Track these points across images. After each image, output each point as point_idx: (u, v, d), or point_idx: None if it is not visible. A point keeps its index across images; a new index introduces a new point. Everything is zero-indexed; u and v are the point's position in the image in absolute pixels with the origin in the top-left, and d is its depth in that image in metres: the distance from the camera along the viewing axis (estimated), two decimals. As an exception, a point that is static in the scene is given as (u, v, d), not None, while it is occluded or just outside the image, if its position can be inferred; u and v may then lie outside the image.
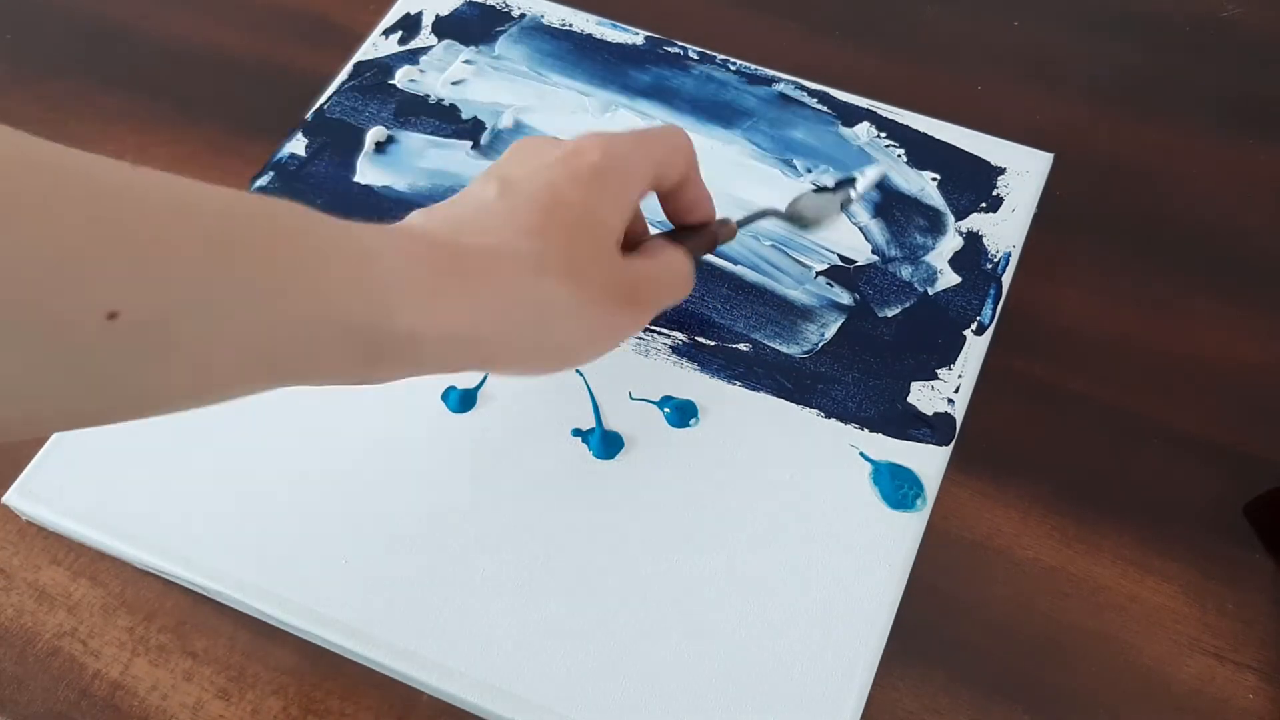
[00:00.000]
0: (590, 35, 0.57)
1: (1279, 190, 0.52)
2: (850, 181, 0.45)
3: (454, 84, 0.55)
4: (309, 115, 0.54)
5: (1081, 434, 0.45)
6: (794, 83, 0.55)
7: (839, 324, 0.47)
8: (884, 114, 0.54)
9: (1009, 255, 0.49)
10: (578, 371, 0.46)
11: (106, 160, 0.26)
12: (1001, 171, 0.52)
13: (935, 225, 0.50)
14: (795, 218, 0.44)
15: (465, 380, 0.46)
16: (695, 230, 0.39)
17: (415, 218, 0.33)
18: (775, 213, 0.43)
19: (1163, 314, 0.49)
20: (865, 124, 0.53)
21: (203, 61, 0.57)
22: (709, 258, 0.49)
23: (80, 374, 0.24)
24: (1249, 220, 0.51)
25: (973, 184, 0.52)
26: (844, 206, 0.45)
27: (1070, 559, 0.43)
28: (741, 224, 0.41)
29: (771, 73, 0.55)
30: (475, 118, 0.53)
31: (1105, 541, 0.43)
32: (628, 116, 0.54)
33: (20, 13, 0.60)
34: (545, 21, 0.57)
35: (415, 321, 0.29)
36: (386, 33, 0.57)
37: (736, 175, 0.51)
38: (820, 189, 0.46)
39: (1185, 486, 0.44)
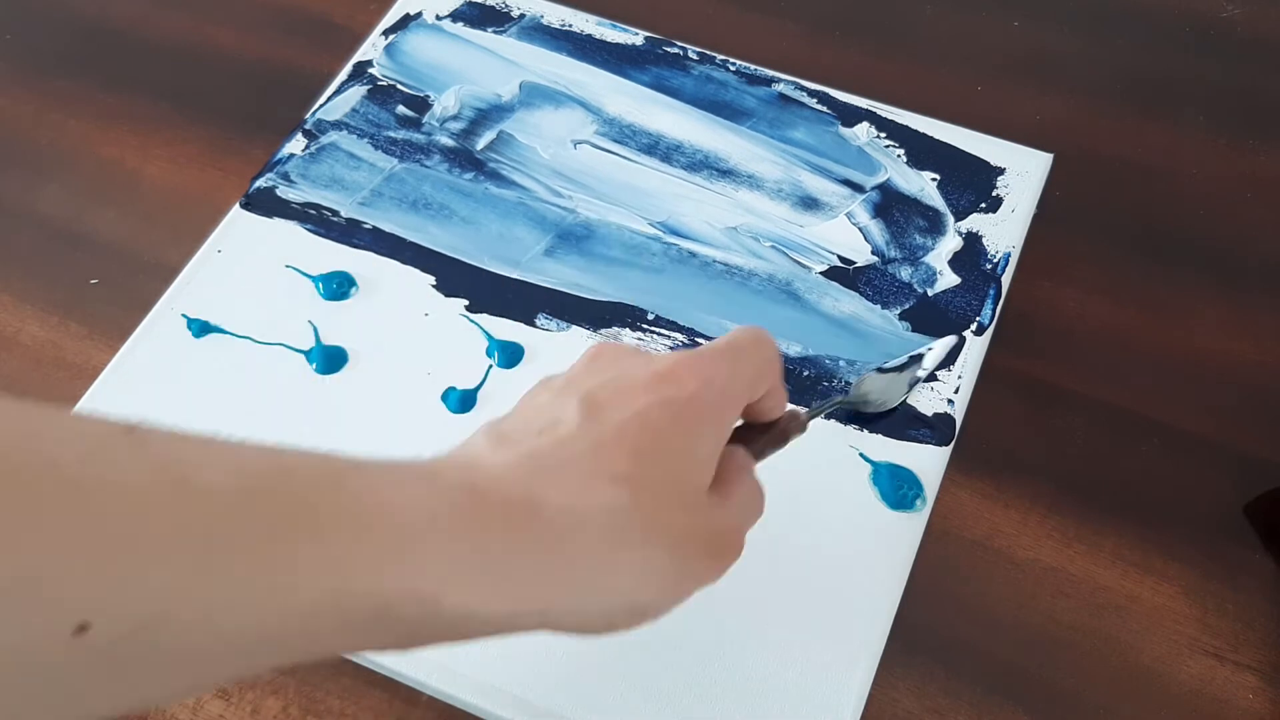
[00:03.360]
0: (590, 35, 0.57)
1: (1279, 190, 0.52)
2: (918, 359, 0.44)
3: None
4: (308, 116, 0.54)
5: (1082, 434, 0.45)
6: (794, 83, 0.55)
7: None
8: (884, 114, 0.54)
9: (1009, 256, 0.49)
10: None
11: (83, 428, 0.22)
12: (1001, 172, 0.52)
13: (935, 226, 0.50)
14: (862, 401, 0.43)
15: (465, 381, 0.46)
16: (766, 427, 0.34)
17: (482, 448, 0.27)
18: (843, 401, 0.42)
19: (1163, 314, 0.49)
20: (865, 124, 0.53)
21: (203, 61, 0.57)
22: (706, 257, 0.49)
23: (46, 695, 0.20)
24: (1249, 220, 0.51)
25: (972, 184, 0.52)
26: (912, 384, 0.44)
27: (1070, 559, 0.43)
28: (810, 416, 0.36)
29: (771, 73, 0.55)
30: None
31: (1105, 541, 0.43)
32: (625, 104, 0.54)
33: (20, 13, 0.60)
34: (545, 21, 0.57)
35: (468, 602, 0.24)
36: (386, 33, 0.57)
37: (750, 161, 0.51)
38: (885, 369, 0.45)
39: (1185, 486, 0.44)
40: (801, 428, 0.35)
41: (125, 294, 0.48)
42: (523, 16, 0.57)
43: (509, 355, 0.46)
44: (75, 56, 0.58)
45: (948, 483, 0.44)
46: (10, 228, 0.52)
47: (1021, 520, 0.43)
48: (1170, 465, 0.45)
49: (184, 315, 0.47)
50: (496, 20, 0.57)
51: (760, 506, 0.32)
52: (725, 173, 0.52)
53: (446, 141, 0.53)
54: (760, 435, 0.33)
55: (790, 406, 0.35)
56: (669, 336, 0.47)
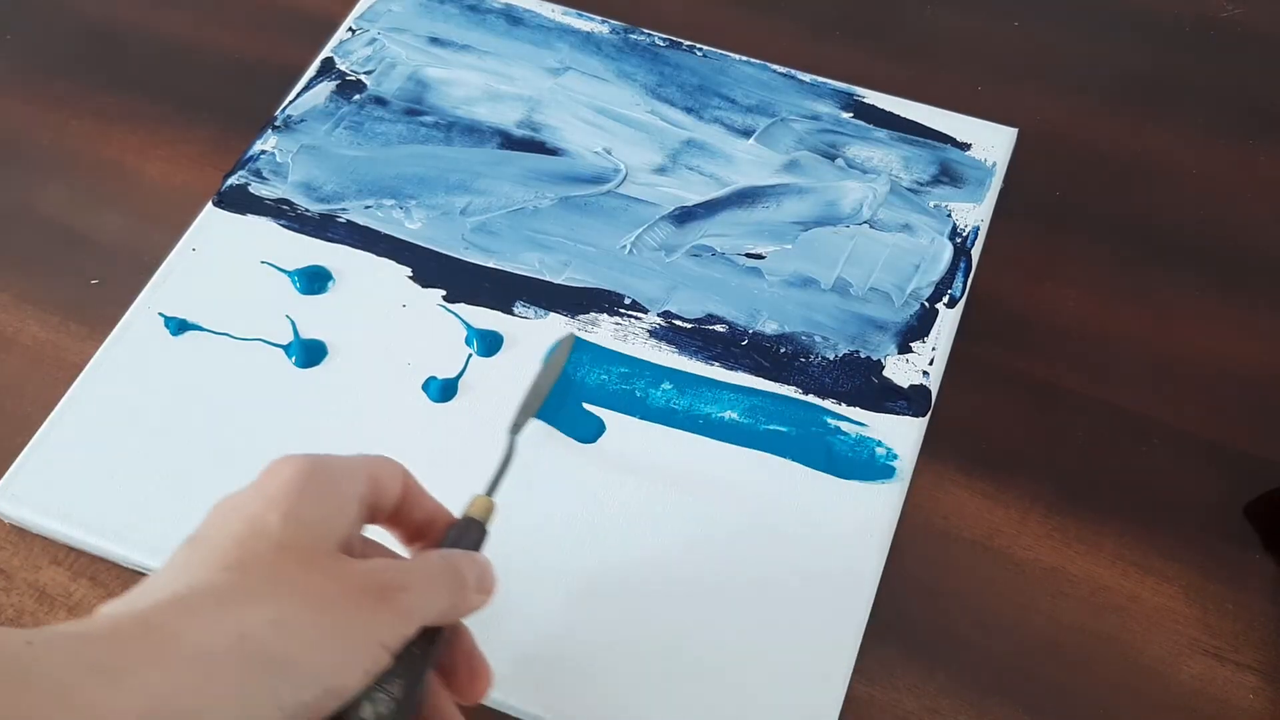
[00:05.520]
0: (591, 33, 0.57)
1: (1279, 190, 0.52)
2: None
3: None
4: (278, 113, 0.54)
5: (1082, 434, 0.45)
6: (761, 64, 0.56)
7: None
8: (857, 96, 0.54)
9: (977, 229, 0.50)
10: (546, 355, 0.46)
11: None
12: (968, 147, 0.53)
13: (903, 201, 0.51)
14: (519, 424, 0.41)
15: (445, 370, 0.46)
16: (449, 537, 0.34)
17: (102, 606, 0.28)
18: (511, 449, 0.40)
19: (1163, 314, 0.49)
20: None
21: (204, 61, 0.57)
22: (680, 237, 0.49)
23: None
24: (1249, 220, 0.51)
25: (939, 159, 0.52)
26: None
27: (1070, 559, 0.43)
28: (490, 489, 0.36)
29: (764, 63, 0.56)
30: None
31: (1105, 541, 0.43)
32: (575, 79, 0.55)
33: (20, 13, 0.60)
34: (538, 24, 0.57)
35: (97, 711, 0.24)
36: (352, 28, 0.57)
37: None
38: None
39: (1185, 486, 0.44)
40: (488, 507, 0.35)
41: (126, 294, 0.48)
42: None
43: (488, 344, 0.47)
44: (75, 56, 0.58)
45: (948, 483, 0.44)
46: (10, 228, 0.52)
47: (1021, 520, 0.43)
48: (1170, 465, 0.45)
49: (161, 314, 0.47)
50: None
51: (448, 568, 0.31)
52: (699, 148, 0.53)
53: (410, 110, 0.54)
54: (452, 542, 0.34)
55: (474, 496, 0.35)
56: (644, 320, 0.47)
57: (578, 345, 0.46)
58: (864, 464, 0.44)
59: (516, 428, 0.41)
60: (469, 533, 0.34)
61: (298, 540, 0.29)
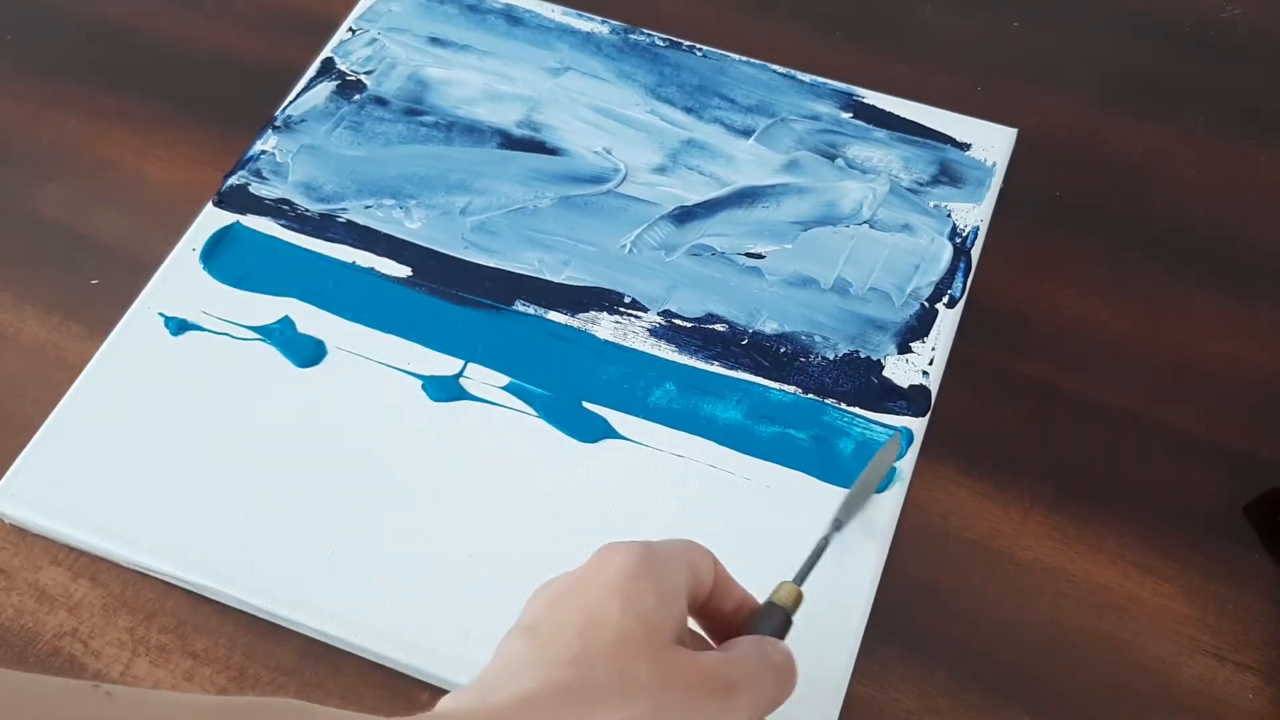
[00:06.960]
0: (591, 33, 0.57)
1: (1279, 190, 0.52)
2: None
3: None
4: (278, 113, 0.54)
5: (1082, 434, 0.46)
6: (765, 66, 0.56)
7: None
8: (857, 96, 0.54)
9: (977, 229, 0.50)
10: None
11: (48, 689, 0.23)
12: (967, 147, 0.53)
13: (903, 201, 0.51)
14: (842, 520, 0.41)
15: (445, 369, 0.46)
16: (755, 622, 0.34)
17: (444, 702, 0.28)
18: (826, 541, 0.38)
19: (1163, 314, 0.49)
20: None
21: (204, 61, 0.57)
22: (679, 237, 0.49)
23: None
24: (1249, 220, 0.51)
25: (939, 160, 0.52)
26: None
27: (1070, 559, 0.43)
28: (800, 578, 0.36)
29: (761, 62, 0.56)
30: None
31: (1105, 541, 0.43)
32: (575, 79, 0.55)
33: (20, 13, 0.60)
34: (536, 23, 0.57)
35: None
36: (353, 28, 0.57)
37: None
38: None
39: (1185, 486, 0.44)
40: (795, 595, 0.34)
41: (126, 294, 0.48)
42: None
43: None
44: (75, 56, 0.58)
45: (948, 483, 0.44)
46: (10, 228, 0.52)
47: (1021, 520, 0.43)
48: (1170, 465, 0.45)
49: (161, 314, 0.47)
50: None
51: (776, 657, 0.31)
52: (700, 147, 0.53)
53: (410, 110, 0.54)
54: (758, 629, 0.33)
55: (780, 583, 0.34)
56: (644, 319, 0.47)
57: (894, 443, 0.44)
58: (864, 464, 0.44)
59: (839, 524, 0.40)
60: (773, 619, 0.33)
61: (637, 632, 0.28)
